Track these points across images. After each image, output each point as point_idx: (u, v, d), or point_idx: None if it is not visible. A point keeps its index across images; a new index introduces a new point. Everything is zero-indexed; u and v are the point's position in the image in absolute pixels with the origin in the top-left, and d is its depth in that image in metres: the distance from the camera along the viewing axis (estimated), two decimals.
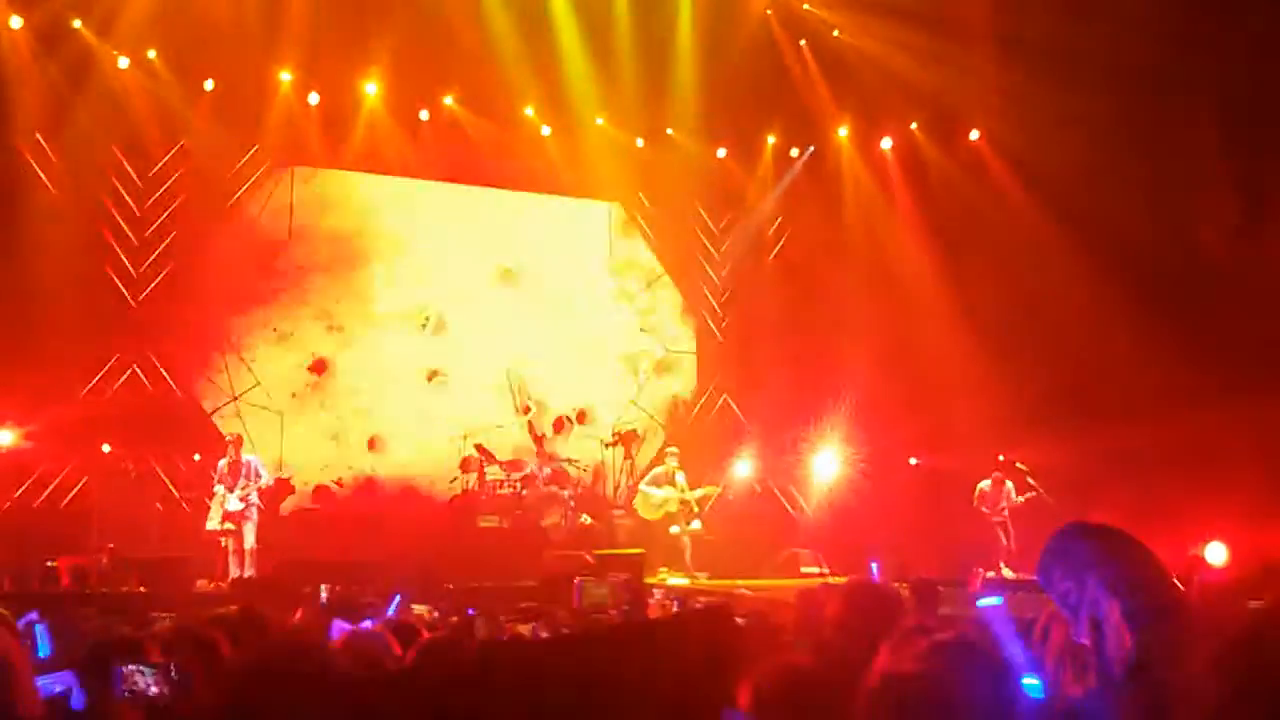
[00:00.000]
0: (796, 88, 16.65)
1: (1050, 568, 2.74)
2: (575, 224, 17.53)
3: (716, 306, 18.12)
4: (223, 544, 12.63)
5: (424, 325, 16.38)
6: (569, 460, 15.68)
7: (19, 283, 13.10)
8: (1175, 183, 13.90)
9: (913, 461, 15.83)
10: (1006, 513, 13.84)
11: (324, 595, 9.51)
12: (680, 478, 14.26)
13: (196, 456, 13.80)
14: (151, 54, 14.54)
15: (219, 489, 12.67)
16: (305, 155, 15.50)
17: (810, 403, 16.20)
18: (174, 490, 13.90)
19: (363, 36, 14.95)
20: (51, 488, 13.61)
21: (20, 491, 13.41)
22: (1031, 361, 14.18)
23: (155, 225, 14.94)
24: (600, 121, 16.58)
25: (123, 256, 14.76)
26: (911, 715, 2.06)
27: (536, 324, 16.90)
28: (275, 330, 15.50)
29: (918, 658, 2.12)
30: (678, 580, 13.51)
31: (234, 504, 12.56)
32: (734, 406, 17.54)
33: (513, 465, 14.97)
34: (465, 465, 14.90)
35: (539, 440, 15.99)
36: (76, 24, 14.04)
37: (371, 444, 15.77)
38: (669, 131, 17.03)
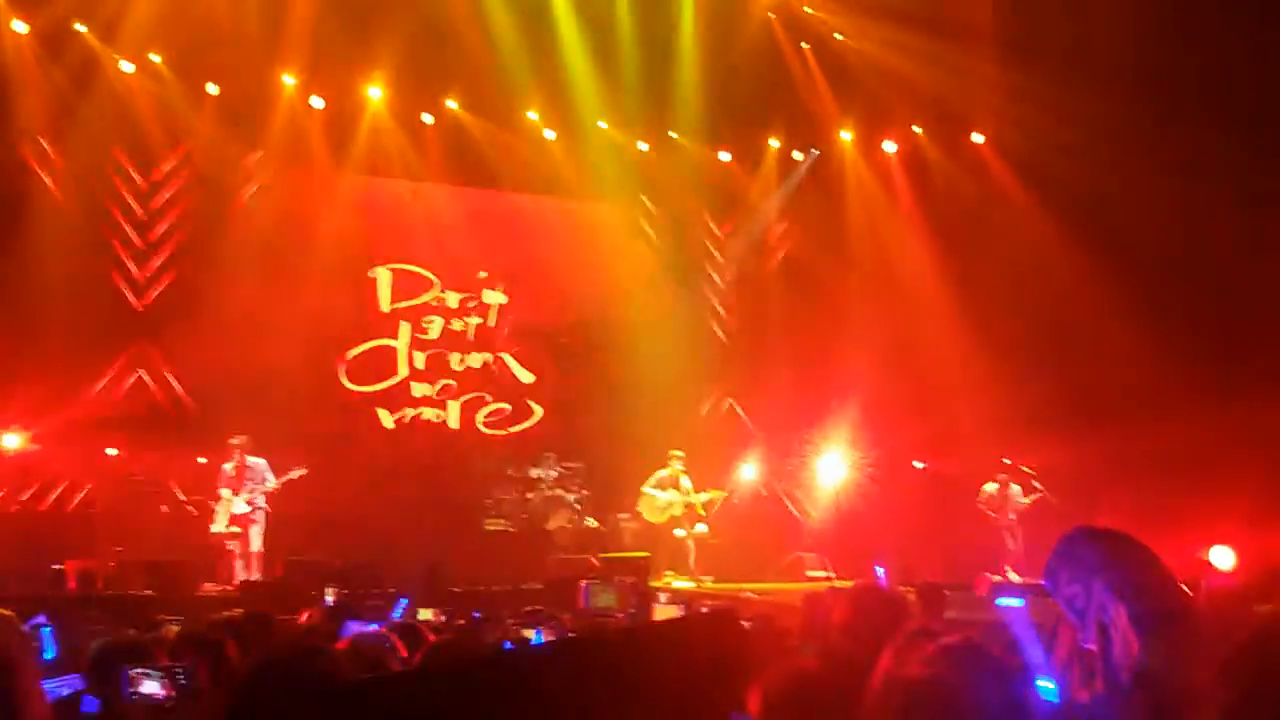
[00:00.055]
0: (799, 90, 16.65)
1: (1057, 572, 2.74)
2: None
3: (720, 310, 18.12)
4: (229, 547, 12.66)
5: (427, 327, 16.41)
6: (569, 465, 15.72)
7: (24, 287, 13.14)
8: (1180, 185, 13.88)
9: (918, 465, 15.82)
10: (1013, 516, 13.83)
11: (330, 598, 9.53)
12: (685, 481, 14.26)
13: (202, 459, 13.81)
14: (155, 58, 14.55)
15: (225, 492, 12.70)
16: (309, 159, 15.52)
17: (815, 406, 16.20)
18: (180, 494, 13.90)
19: (366, 40, 14.97)
20: (58, 491, 13.62)
21: (27, 495, 13.43)
22: (1036, 364, 14.16)
23: (160, 229, 14.97)
24: (603, 125, 16.60)
25: (127, 260, 14.78)
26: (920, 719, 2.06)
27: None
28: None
29: (925, 662, 2.12)
30: (683, 584, 13.50)
31: (240, 507, 12.59)
32: (739, 410, 17.53)
33: None
34: None
35: None
36: (80, 28, 14.07)
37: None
38: (672, 135, 17.03)
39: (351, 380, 15.92)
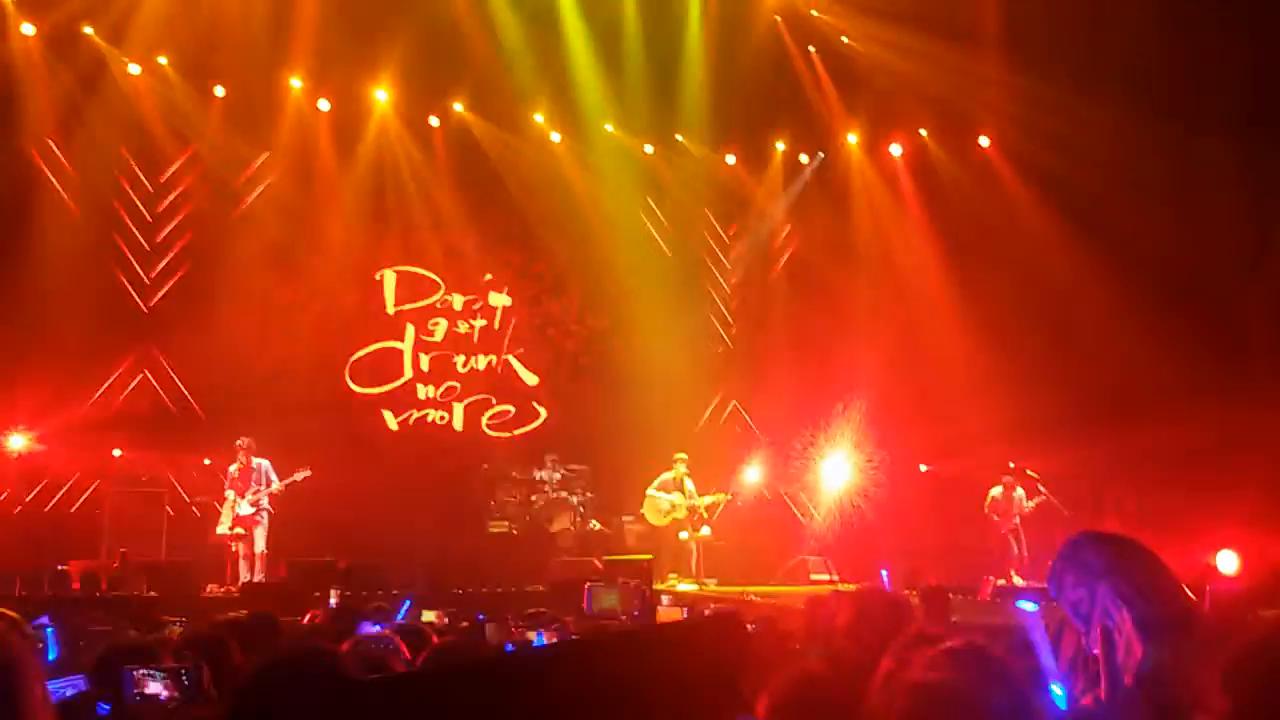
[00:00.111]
0: (806, 94, 16.66)
1: (1061, 576, 2.73)
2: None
3: (726, 313, 18.11)
4: (233, 548, 12.68)
5: (432, 329, 16.43)
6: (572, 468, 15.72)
7: (30, 288, 13.18)
8: (1187, 188, 13.88)
9: (923, 468, 15.79)
10: (1018, 520, 13.81)
11: (334, 600, 9.55)
12: (689, 484, 14.24)
13: (207, 461, 13.83)
14: (162, 60, 14.61)
15: (230, 494, 12.72)
16: (316, 161, 15.54)
17: (820, 409, 16.16)
18: (184, 495, 13.93)
19: (373, 43, 14.99)
20: (63, 492, 13.66)
21: (32, 495, 13.46)
22: (1041, 367, 14.14)
23: (166, 230, 15.00)
24: (609, 128, 16.61)
25: (134, 261, 14.83)
26: None
27: None
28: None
29: (929, 665, 2.12)
30: (687, 586, 13.48)
31: (245, 509, 12.61)
32: (743, 413, 17.52)
33: None
34: None
35: None
36: (88, 30, 14.12)
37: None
38: (678, 138, 17.04)
39: (356, 382, 15.94)
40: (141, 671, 3.67)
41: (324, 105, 15.54)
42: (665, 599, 11.81)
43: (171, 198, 15.07)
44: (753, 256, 18.10)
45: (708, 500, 14.30)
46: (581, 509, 15.18)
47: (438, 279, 16.53)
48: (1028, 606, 2.96)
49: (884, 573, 11.02)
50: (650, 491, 14.30)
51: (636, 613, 10.48)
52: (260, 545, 12.63)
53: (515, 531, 14.99)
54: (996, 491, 13.97)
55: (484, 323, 16.75)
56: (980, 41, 14.58)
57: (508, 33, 15.16)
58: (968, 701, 2.05)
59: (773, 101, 16.74)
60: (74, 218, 14.06)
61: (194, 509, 13.76)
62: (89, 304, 13.82)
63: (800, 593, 11.70)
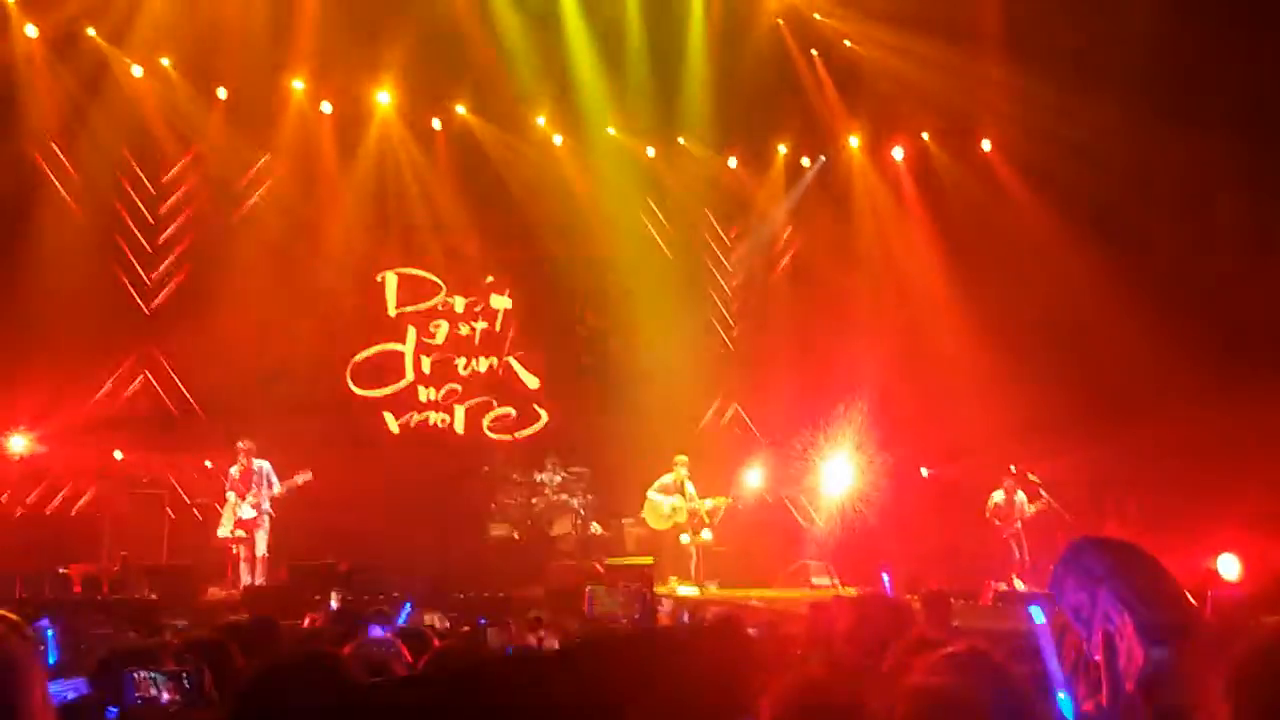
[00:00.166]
0: (808, 97, 16.66)
1: (1063, 580, 2.73)
2: None
3: (728, 315, 18.11)
4: (234, 551, 12.67)
5: (434, 332, 16.43)
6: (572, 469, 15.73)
7: (32, 289, 13.19)
8: (1189, 189, 13.87)
9: (924, 472, 15.78)
10: (1019, 524, 13.79)
11: (334, 603, 9.55)
12: (689, 486, 14.23)
13: (208, 463, 13.82)
14: (165, 61, 14.62)
15: (231, 496, 12.71)
16: (318, 163, 15.55)
17: (821, 412, 16.15)
18: (186, 497, 13.93)
19: (375, 45, 14.99)
20: (64, 494, 13.66)
21: (32, 498, 13.46)
22: (1044, 370, 14.13)
23: (168, 232, 15.01)
24: (611, 131, 16.61)
25: (135, 263, 14.83)
26: None
27: None
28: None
29: (931, 670, 2.12)
30: (688, 590, 13.47)
31: (246, 511, 12.60)
32: (744, 415, 17.51)
33: None
34: None
35: None
36: (90, 32, 14.13)
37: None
38: (680, 140, 17.04)
39: (357, 384, 15.94)
40: (142, 674, 3.67)
41: (326, 107, 15.56)
42: (666, 603, 11.77)
43: (173, 199, 15.08)
44: (754, 259, 18.09)
45: (709, 504, 14.28)
46: (582, 512, 15.17)
47: (439, 281, 16.53)
48: (1038, 615, 2.95)
49: (885, 577, 10.99)
50: (650, 494, 14.29)
51: (637, 616, 10.46)
52: (262, 548, 12.63)
53: (516, 536, 14.99)
54: (998, 495, 13.94)
55: (485, 325, 16.75)
56: (982, 45, 14.58)
57: (509, 35, 15.16)
58: (968, 706, 2.05)
59: (775, 104, 16.74)
60: (76, 219, 14.07)
61: (195, 511, 13.76)
62: (90, 305, 13.83)
63: (802, 597, 11.69)
